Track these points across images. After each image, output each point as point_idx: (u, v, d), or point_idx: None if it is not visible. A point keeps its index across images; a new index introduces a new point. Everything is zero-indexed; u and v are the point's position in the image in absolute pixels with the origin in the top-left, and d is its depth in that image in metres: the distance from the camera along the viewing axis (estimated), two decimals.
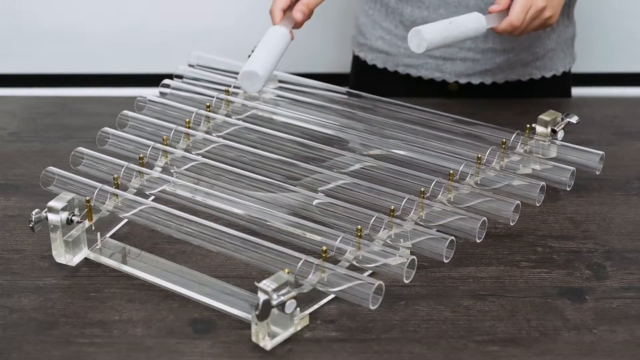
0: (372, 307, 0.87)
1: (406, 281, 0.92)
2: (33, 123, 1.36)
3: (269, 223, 0.98)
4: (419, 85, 1.44)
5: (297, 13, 1.20)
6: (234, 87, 1.28)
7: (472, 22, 1.17)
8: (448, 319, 0.92)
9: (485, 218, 0.98)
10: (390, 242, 0.96)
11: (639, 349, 0.89)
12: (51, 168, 1.05)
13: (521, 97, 1.45)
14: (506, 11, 1.19)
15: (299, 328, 0.90)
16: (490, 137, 1.15)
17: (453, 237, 0.95)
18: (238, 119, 1.21)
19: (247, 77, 1.12)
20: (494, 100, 1.44)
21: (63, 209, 0.96)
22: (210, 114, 1.19)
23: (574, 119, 1.16)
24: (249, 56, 1.15)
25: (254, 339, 0.88)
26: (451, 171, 1.06)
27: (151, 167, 1.09)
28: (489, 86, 1.44)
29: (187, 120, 1.16)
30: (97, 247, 1.01)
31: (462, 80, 1.42)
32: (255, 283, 0.85)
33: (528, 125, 1.15)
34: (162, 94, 1.28)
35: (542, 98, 1.45)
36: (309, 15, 1.21)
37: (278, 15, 1.20)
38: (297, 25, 1.21)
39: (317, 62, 1.90)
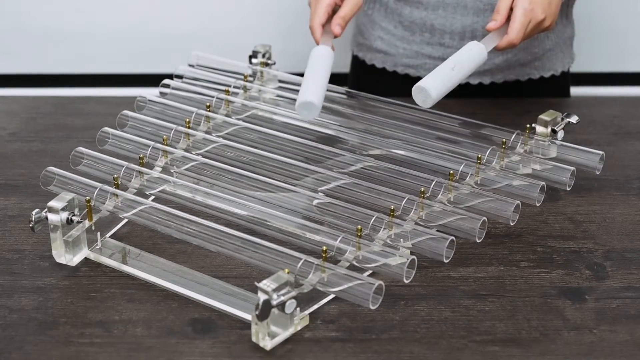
0: (372, 307, 0.88)
1: (406, 281, 0.92)
2: (33, 123, 1.36)
3: (269, 223, 0.98)
4: None
5: (336, 27, 1.22)
6: (234, 87, 1.28)
7: (474, 58, 1.15)
8: (448, 319, 0.92)
9: (485, 218, 0.98)
10: (390, 242, 0.96)
11: (639, 349, 0.89)
12: (51, 168, 1.05)
13: (520, 97, 1.45)
14: (505, 25, 1.17)
15: (299, 328, 0.90)
16: (490, 137, 1.15)
17: (453, 237, 0.95)
18: (238, 119, 1.21)
19: (304, 107, 1.14)
20: (494, 100, 1.44)
21: (63, 209, 0.96)
22: (210, 114, 1.19)
23: (574, 119, 1.16)
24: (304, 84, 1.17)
25: (254, 339, 0.88)
26: (451, 171, 1.06)
27: (151, 167, 1.09)
28: (488, 86, 1.44)
29: (187, 120, 1.17)
30: (97, 247, 1.01)
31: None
32: (255, 283, 0.85)
33: (528, 125, 1.15)
34: (162, 94, 1.28)
35: (542, 98, 1.45)
36: (345, 27, 1.24)
37: (318, 30, 1.22)
38: (335, 37, 1.24)
39: None
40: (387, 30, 1.43)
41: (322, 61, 1.20)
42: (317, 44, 1.23)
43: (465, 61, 1.14)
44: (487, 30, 1.18)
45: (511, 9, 1.16)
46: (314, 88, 1.15)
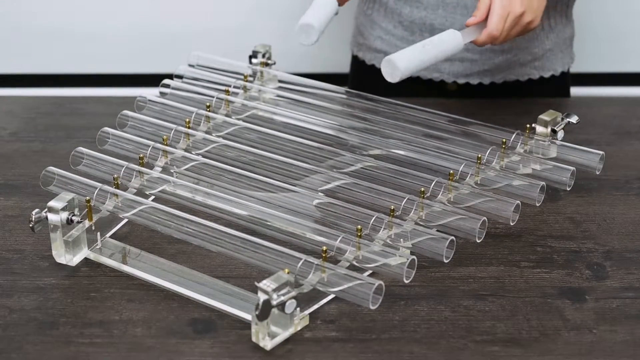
0: (372, 307, 0.88)
1: (406, 281, 0.92)
2: (33, 123, 1.36)
3: (269, 223, 0.98)
4: (418, 85, 1.44)
5: None
6: (234, 87, 1.28)
7: (448, 41, 1.14)
8: (448, 319, 0.92)
9: (485, 218, 0.98)
10: (390, 242, 0.96)
11: (639, 349, 0.89)
12: (51, 168, 1.05)
13: (520, 97, 1.45)
14: (484, 22, 1.17)
15: (299, 328, 0.90)
16: (490, 137, 1.15)
17: (453, 237, 0.95)
18: (238, 119, 1.21)
19: (303, 30, 1.17)
20: (494, 100, 1.44)
21: (63, 209, 0.96)
22: (210, 114, 1.19)
23: (574, 119, 1.16)
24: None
25: (254, 339, 0.88)
26: (451, 171, 1.06)
27: (151, 167, 1.09)
28: (488, 86, 1.44)
29: (187, 120, 1.17)
30: (97, 247, 1.01)
31: (461, 81, 1.42)
32: (255, 283, 0.85)
33: (528, 125, 1.15)
34: (162, 94, 1.28)
35: (542, 98, 1.45)
36: None
37: None
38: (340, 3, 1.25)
39: (317, 62, 1.90)
40: (386, 30, 1.43)
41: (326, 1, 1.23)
42: None
43: (438, 41, 1.13)
44: (466, 25, 1.17)
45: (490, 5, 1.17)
46: (314, 13, 1.18)
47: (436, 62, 1.14)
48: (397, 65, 1.09)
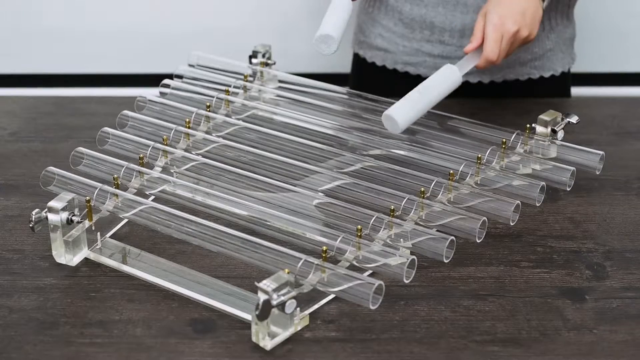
0: (372, 307, 0.87)
1: (406, 281, 0.92)
2: (33, 123, 1.36)
3: (269, 223, 0.98)
4: (418, 83, 1.44)
5: None
6: (234, 87, 1.28)
7: (445, 80, 1.16)
8: (448, 319, 0.92)
9: (485, 218, 0.98)
10: (390, 242, 0.96)
11: (639, 349, 0.89)
12: (51, 168, 1.05)
13: (520, 97, 1.45)
14: (482, 46, 1.18)
15: (299, 328, 0.90)
16: (490, 137, 1.15)
17: (453, 237, 0.95)
18: (238, 119, 1.21)
19: (322, 40, 1.18)
20: (494, 100, 1.44)
21: (63, 209, 0.96)
22: (210, 114, 1.19)
23: (574, 119, 1.16)
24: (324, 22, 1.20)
25: (254, 339, 0.88)
26: (451, 171, 1.06)
27: (151, 167, 1.09)
28: (487, 85, 1.44)
29: (187, 120, 1.17)
30: (97, 247, 1.01)
31: None
32: (255, 283, 0.85)
33: (528, 125, 1.15)
34: (162, 94, 1.28)
35: (542, 98, 1.45)
36: None
37: None
38: None
39: (317, 62, 1.89)
40: (387, 27, 1.43)
41: (341, 6, 1.23)
42: None
43: (435, 84, 1.15)
44: (465, 52, 1.19)
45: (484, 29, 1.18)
46: (332, 21, 1.19)
47: (436, 103, 1.15)
48: (397, 120, 1.11)
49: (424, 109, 1.14)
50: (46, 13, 1.87)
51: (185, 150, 1.13)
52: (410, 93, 1.14)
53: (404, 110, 1.12)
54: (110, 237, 1.04)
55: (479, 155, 1.09)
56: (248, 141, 1.15)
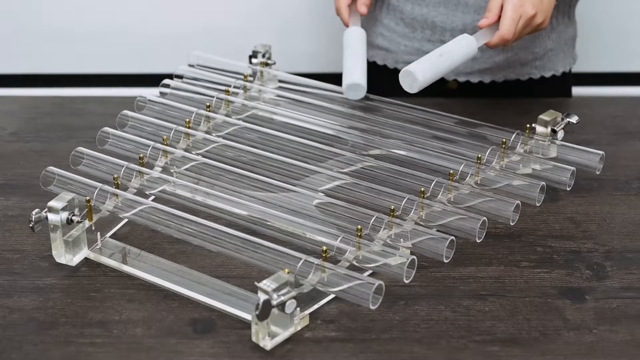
0: (372, 307, 0.87)
1: (406, 281, 0.92)
2: (33, 123, 1.36)
3: (269, 223, 0.98)
4: None
5: (362, 7, 1.32)
6: (234, 87, 1.28)
7: (463, 48, 1.15)
8: (448, 319, 0.92)
9: (485, 218, 0.98)
10: (390, 242, 0.96)
11: (639, 349, 0.89)
12: (51, 168, 1.05)
13: (521, 96, 1.45)
14: (496, 23, 1.18)
15: (299, 328, 0.90)
16: (490, 137, 1.15)
17: (453, 237, 0.95)
18: (238, 119, 1.21)
19: (351, 89, 1.22)
20: (494, 100, 1.44)
21: (63, 209, 0.96)
22: (210, 114, 1.19)
23: (574, 119, 1.16)
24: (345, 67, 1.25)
25: (254, 339, 0.88)
26: (451, 171, 1.06)
27: (151, 167, 1.09)
28: (488, 85, 1.44)
29: (187, 120, 1.17)
30: (97, 247, 1.01)
31: (461, 79, 1.42)
32: (255, 283, 0.85)
33: (528, 125, 1.15)
34: (162, 94, 1.28)
35: (542, 98, 1.45)
36: (369, 6, 1.32)
37: (345, 12, 1.31)
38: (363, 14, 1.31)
39: (317, 62, 1.90)
40: (388, 27, 1.43)
41: (359, 42, 1.27)
42: (346, 25, 1.30)
43: (454, 50, 1.15)
44: (479, 27, 1.18)
45: (503, 7, 1.17)
46: (359, 69, 1.23)
47: (452, 69, 1.15)
48: (417, 76, 1.11)
49: (443, 71, 1.14)
50: (46, 13, 1.87)
51: (185, 150, 1.13)
52: (430, 54, 1.14)
53: (425, 68, 1.11)
54: (110, 237, 1.04)
55: (479, 155, 1.09)
56: (248, 141, 1.15)
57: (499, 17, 1.17)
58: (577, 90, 1.56)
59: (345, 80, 1.22)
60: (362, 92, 1.22)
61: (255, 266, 0.95)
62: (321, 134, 1.18)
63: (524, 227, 1.08)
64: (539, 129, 1.15)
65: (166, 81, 1.30)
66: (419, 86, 1.11)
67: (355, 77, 1.22)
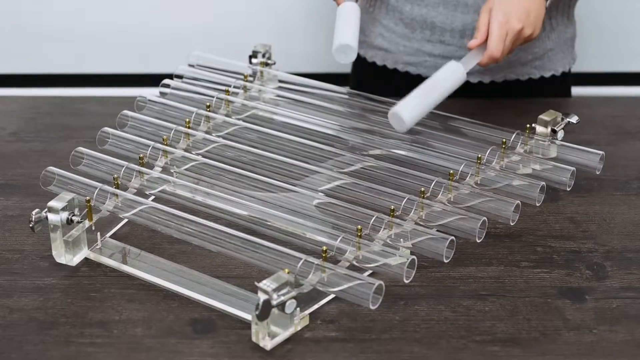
0: (372, 307, 0.88)
1: (406, 281, 0.92)
2: (33, 123, 1.36)
3: (269, 223, 0.98)
4: (418, 83, 1.44)
5: None
6: (234, 87, 1.28)
7: (451, 77, 1.16)
8: (448, 319, 0.92)
9: (485, 218, 0.98)
10: (390, 242, 0.96)
11: (639, 349, 0.89)
12: (51, 168, 1.05)
13: (521, 96, 1.45)
14: (486, 42, 1.17)
15: (299, 328, 0.90)
16: (490, 137, 1.15)
17: (453, 237, 0.95)
18: (238, 119, 1.21)
19: (341, 50, 1.20)
20: (494, 100, 1.44)
21: (63, 209, 0.96)
22: (210, 114, 1.19)
23: (574, 119, 1.16)
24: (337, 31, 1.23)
25: (254, 339, 0.88)
26: (451, 171, 1.06)
27: (151, 167, 1.09)
28: (488, 85, 1.44)
29: (187, 120, 1.17)
30: (97, 247, 1.01)
31: None
32: (255, 283, 0.85)
33: (528, 125, 1.15)
34: (162, 94, 1.28)
35: (542, 98, 1.45)
36: None
37: None
38: None
39: (317, 62, 1.90)
40: (388, 27, 1.43)
41: (352, 13, 1.25)
42: (338, 3, 1.28)
43: (440, 82, 1.15)
44: (468, 48, 1.19)
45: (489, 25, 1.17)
46: (351, 33, 1.21)
47: (442, 100, 1.15)
48: (402, 117, 1.11)
49: (430, 106, 1.14)
50: (46, 13, 1.87)
51: (185, 150, 1.13)
52: (415, 90, 1.14)
53: (411, 108, 1.12)
54: (110, 237, 1.04)
55: (479, 155, 1.09)
56: (248, 141, 1.15)
57: (487, 37, 1.17)
58: (577, 90, 1.56)
59: (335, 41, 1.20)
60: (352, 55, 1.21)
61: (255, 266, 0.95)
62: (321, 134, 1.18)
63: (524, 227, 1.08)
64: (539, 129, 1.15)
65: (166, 81, 1.30)
66: (407, 127, 1.12)
67: (346, 38, 1.20)
